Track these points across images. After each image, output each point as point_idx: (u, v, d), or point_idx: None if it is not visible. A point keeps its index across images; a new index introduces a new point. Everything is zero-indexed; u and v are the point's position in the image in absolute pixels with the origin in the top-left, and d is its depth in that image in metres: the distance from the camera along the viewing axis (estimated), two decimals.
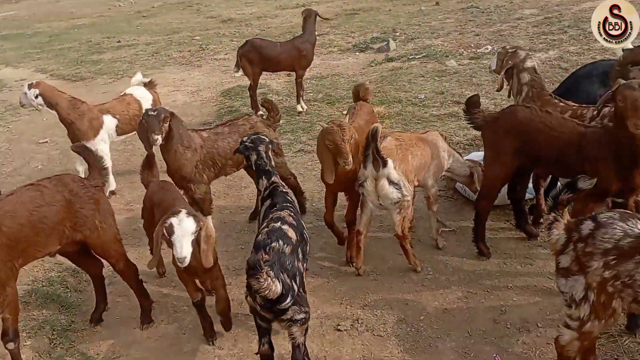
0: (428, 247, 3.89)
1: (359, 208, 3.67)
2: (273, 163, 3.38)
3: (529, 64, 3.88)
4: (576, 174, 2.58)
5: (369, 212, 3.61)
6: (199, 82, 8.45)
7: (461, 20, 10.01)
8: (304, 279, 2.81)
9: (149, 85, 5.50)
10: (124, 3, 17.33)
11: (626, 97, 2.88)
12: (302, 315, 2.62)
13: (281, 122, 6.01)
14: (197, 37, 11.54)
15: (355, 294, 3.52)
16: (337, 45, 9.62)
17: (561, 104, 3.71)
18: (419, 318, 3.25)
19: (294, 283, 2.60)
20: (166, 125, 3.88)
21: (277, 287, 2.48)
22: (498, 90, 4.09)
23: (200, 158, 4.05)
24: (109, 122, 5.10)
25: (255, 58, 6.44)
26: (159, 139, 3.84)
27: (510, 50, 3.97)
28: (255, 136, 3.45)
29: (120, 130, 5.20)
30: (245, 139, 3.48)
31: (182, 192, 4.17)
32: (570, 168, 3.21)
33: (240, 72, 6.74)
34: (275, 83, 7.85)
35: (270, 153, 3.38)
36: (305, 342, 2.71)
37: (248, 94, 6.72)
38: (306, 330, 2.70)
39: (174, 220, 2.77)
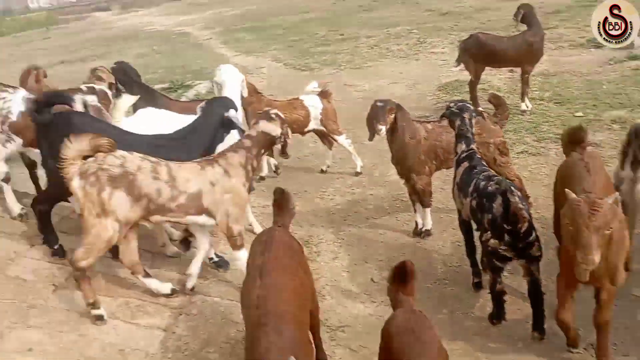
0: None
1: None
2: (473, 131, 3.57)
3: None
4: None
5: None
6: (417, 76, 8.54)
7: None
8: None
9: (323, 95, 5.44)
10: None
11: None
12: (539, 253, 2.90)
13: None
14: (415, 31, 11.65)
15: None
16: (568, 40, 8.84)
17: None
18: None
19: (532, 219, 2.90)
20: (391, 116, 4.04)
21: (526, 219, 2.78)
22: None
23: (424, 150, 4.13)
24: None
25: (479, 53, 6.29)
26: (383, 129, 4.02)
27: None
28: (461, 103, 3.65)
29: None
30: (451, 104, 3.68)
31: (403, 181, 4.34)
32: None
33: (460, 67, 6.64)
34: (496, 79, 7.56)
35: (472, 121, 3.57)
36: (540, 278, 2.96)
37: (467, 89, 6.61)
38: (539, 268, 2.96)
39: None
